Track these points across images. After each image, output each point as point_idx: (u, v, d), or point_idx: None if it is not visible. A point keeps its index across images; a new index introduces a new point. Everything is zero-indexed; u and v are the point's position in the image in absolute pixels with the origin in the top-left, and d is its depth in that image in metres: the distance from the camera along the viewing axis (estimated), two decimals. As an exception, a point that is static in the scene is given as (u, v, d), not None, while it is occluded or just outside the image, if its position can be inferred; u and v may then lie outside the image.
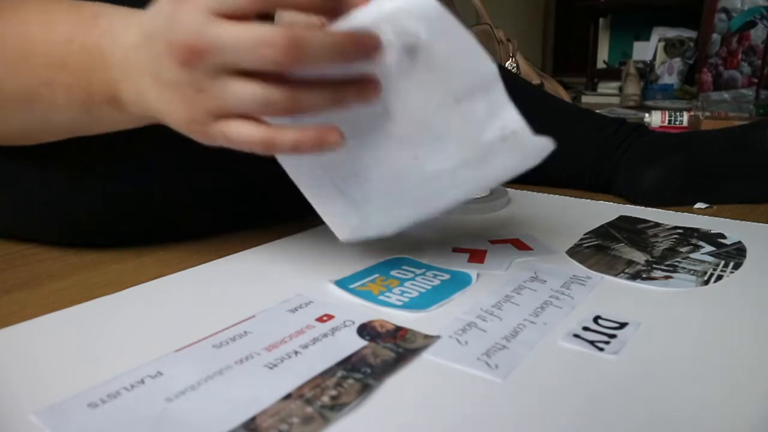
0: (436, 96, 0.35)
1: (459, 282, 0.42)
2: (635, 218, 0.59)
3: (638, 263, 0.46)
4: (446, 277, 0.43)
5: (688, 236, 0.53)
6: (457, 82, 0.34)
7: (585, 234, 0.53)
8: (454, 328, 0.35)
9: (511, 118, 0.35)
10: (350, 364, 0.31)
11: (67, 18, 0.38)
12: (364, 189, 0.39)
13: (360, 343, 0.33)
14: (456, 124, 0.35)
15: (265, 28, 0.30)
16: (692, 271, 0.44)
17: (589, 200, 0.66)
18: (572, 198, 0.67)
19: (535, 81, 1.04)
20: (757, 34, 1.60)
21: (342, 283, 0.42)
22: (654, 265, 0.46)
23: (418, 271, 0.44)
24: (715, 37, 1.67)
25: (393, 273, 0.44)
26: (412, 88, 0.34)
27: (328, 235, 0.54)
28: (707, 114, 1.21)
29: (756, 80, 1.58)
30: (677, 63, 1.94)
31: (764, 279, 0.43)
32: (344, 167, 0.38)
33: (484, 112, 0.35)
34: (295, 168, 0.39)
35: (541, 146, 0.36)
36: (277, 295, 0.40)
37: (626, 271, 0.44)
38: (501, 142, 0.36)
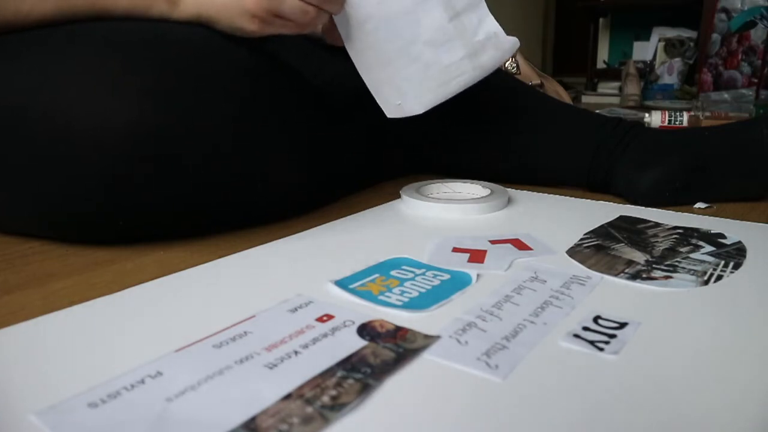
0: (447, 12, 0.55)
1: (459, 282, 0.42)
2: (635, 218, 0.59)
3: (638, 263, 0.46)
4: (446, 277, 0.43)
5: (688, 236, 0.53)
6: (458, 3, 0.55)
7: (585, 234, 0.53)
8: (454, 328, 0.35)
9: (492, 24, 0.56)
10: (350, 364, 0.31)
11: None
12: (404, 78, 0.58)
13: (360, 343, 0.33)
14: (460, 30, 0.56)
15: None
16: (692, 271, 0.44)
17: (589, 200, 0.66)
18: (572, 198, 0.67)
19: (535, 81, 1.03)
20: (757, 34, 1.60)
21: (342, 283, 0.42)
22: (654, 265, 0.45)
23: (418, 271, 0.44)
24: (715, 37, 1.68)
25: (393, 273, 0.44)
26: (434, 6, 0.55)
27: (329, 235, 0.54)
28: (707, 114, 1.21)
29: (756, 80, 1.58)
30: (677, 63, 1.94)
31: (764, 279, 0.43)
32: (391, 65, 0.57)
33: (476, 21, 0.56)
34: (362, 65, 0.58)
35: (513, 42, 0.57)
36: (277, 295, 0.40)
37: (626, 271, 0.44)
38: (487, 40, 0.57)
